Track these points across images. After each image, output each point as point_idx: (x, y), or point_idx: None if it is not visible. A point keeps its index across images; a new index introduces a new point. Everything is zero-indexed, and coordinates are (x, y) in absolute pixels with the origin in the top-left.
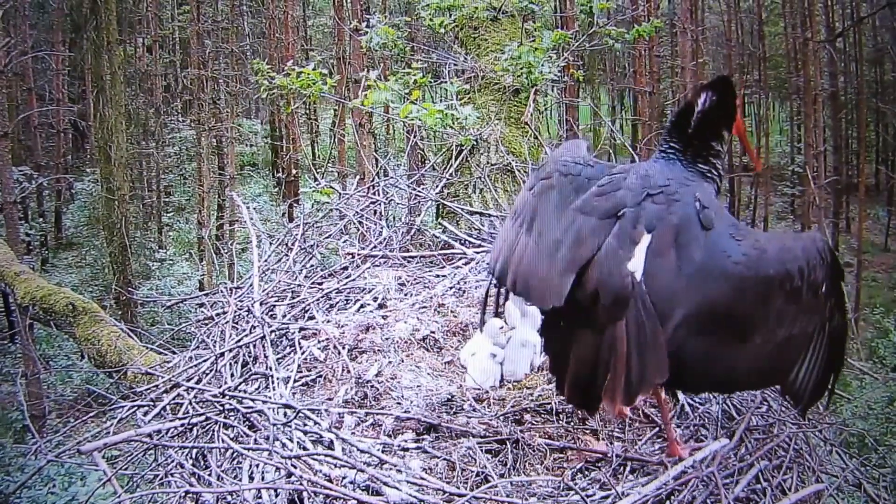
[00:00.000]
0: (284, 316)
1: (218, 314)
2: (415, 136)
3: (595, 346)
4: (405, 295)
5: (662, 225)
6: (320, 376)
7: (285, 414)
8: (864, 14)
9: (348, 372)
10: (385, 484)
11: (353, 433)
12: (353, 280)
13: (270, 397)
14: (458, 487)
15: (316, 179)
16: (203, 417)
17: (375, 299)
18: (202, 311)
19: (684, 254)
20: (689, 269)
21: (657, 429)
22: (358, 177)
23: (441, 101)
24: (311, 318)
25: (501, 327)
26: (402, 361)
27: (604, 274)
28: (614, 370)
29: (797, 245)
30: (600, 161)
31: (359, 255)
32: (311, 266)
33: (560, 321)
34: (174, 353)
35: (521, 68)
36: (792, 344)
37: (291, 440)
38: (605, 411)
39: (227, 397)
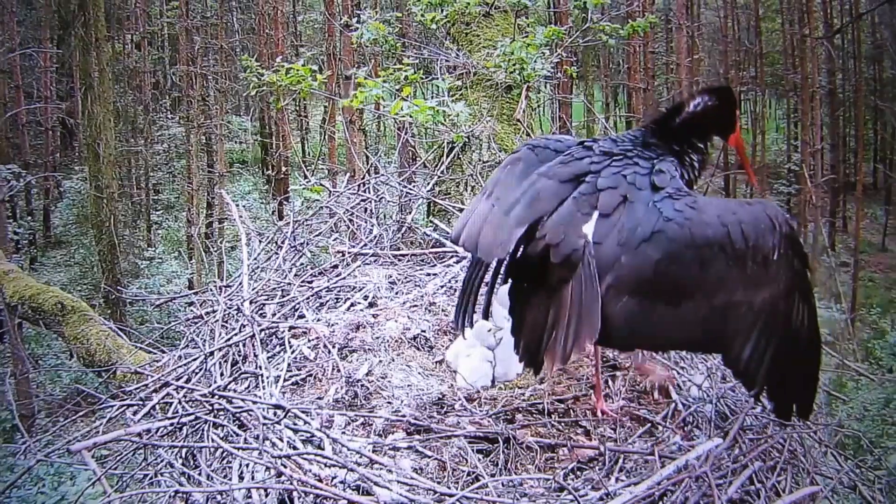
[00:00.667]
0: (274, 315)
1: (207, 313)
2: (406, 133)
3: (546, 308)
4: (396, 293)
5: (613, 186)
6: (310, 375)
7: (275, 413)
8: (863, 10)
9: (338, 371)
10: (375, 484)
11: (343, 432)
12: (344, 278)
13: (260, 396)
14: (449, 487)
15: (306, 177)
16: (192, 417)
17: (366, 298)
18: (191, 310)
19: (628, 214)
20: (628, 227)
21: (649, 425)
22: (348, 174)
23: (432, 97)
24: (301, 316)
25: (490, 329)
26: (393, 360)
27: (557, 234)
28: (556, 331)
29: (744, 209)
30: (574, 139)
31: (349, 253)
32: (301, 264)
33: (521, 283)
34: (163, 352)
35: (514, 64)
36: (731, 313)
37: (281, 440)
38: (549, 366)
39: (217, 396)
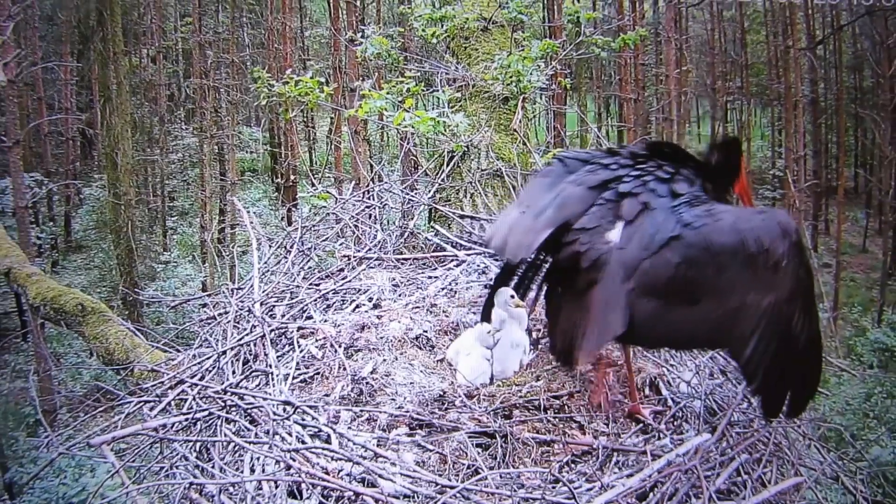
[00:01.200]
0: (283, 316)
1: (220, 314)
2: (408, 143)
3: (576, 310)
4: (399, 295)
5: (635, 193)
6: (318, 373)
7: (284, 409)
8: (844, 22)
9: (345, 369)
10: (380, 476)
11: (349, 428)
12: (349, 281)
13: (270, 393)
14: (450, 479)
15: (313, 185)
16: (206, 412)
17: (370, 300)
18: (205, 311)
19: (649, 220)
20: (649, 233)
21: (640, 424)
22: (353, 182)
23: (433, 108)
24: (309, 317)
25: (489, 331)
26: (396, 359)
27: (585, 241)
28: (585, 329)
29: (758, 217)
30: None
31: (354, 257)
32: (309, 268)
33: (556, 289)
34: (178, 351)
35: (511, 77)
36: (742, 314)
37: (290, 434)
38: (582, 361)
39: (229, 393)
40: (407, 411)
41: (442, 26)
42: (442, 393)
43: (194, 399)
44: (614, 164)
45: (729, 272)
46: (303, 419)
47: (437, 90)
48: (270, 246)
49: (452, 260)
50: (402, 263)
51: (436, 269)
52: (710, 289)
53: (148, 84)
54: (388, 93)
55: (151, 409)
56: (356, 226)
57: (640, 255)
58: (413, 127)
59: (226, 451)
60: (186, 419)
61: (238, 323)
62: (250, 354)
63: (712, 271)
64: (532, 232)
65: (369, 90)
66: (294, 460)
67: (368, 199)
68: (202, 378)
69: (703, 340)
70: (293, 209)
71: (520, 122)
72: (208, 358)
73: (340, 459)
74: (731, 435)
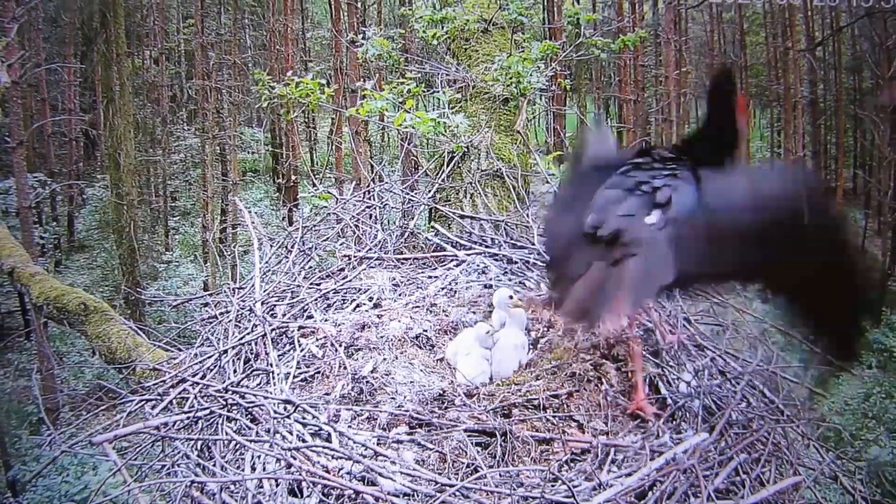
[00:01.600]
0: (284, 315)
1: (221, 313)
2: (408, 144)
3: (607, 273)
4: (399, 295)
5: (668, 184)
6: (318, 372)
7: (285, 408)
8: (843, 24)
9: (345, 368)
10: (380, 475)
11: (349, 426)
12: (350, 281)
13: (271, 392)
14: (449, 478)
15: (314, 185)
16: (207, 411)
17: (371, 299)
18: (207, 311)
19: (681, 200)
20: (679, 210)
21: (638, 421)
22: (354, 182)
23: (434, 109)
24: (310, 317)
25: (488, 331)
26: (396, 358)
27: (625, 223)
28: (623, 283)
29: (776, 172)
30: (624, 150)
31: (355, 257)
32: (310, 267)
33: (570, 261)
34: (180, 349)
35: (511, 78)
36: (769, 251)
37: (291, 433)
38: (610, 320)
39: (231, 392)
40: (407, 410)
41: (442, 28)
42: (442, 392)
43: (196, 398)
44: (647, 164)
45: (754, 221)
46: (303, 418)
47: (438, 91)
48: (272, 246)
49: (452, 260)
50: (403, 263)
51: (436, 268)
52: (741, 235)
53: (150, 85)
54: (388, 94)
55: (153, 407)
56: (357, 226)
57: (676, 227)
58: (414, 127)
59: (227, 450)
60: (188, 417)
61: (239, 322)
62: (251, 353)
63: (747, 220)
64: (573, 231)
65: (370, 91)
66: (295, 458)
67: (369, 199)
68: (203, 377)
69: (742, 276)
70: (294, 209)
71: (523, 123)
72: (210, 357)
73: (341, 458)
74: (730, 434)
